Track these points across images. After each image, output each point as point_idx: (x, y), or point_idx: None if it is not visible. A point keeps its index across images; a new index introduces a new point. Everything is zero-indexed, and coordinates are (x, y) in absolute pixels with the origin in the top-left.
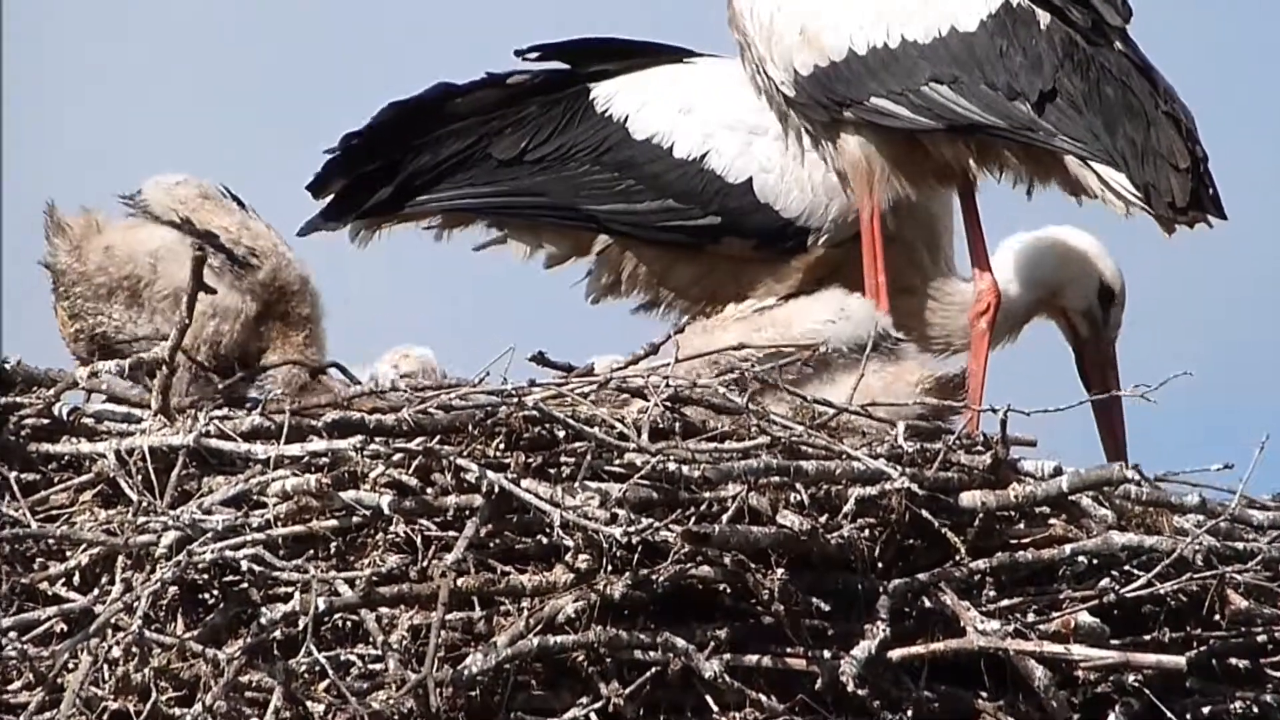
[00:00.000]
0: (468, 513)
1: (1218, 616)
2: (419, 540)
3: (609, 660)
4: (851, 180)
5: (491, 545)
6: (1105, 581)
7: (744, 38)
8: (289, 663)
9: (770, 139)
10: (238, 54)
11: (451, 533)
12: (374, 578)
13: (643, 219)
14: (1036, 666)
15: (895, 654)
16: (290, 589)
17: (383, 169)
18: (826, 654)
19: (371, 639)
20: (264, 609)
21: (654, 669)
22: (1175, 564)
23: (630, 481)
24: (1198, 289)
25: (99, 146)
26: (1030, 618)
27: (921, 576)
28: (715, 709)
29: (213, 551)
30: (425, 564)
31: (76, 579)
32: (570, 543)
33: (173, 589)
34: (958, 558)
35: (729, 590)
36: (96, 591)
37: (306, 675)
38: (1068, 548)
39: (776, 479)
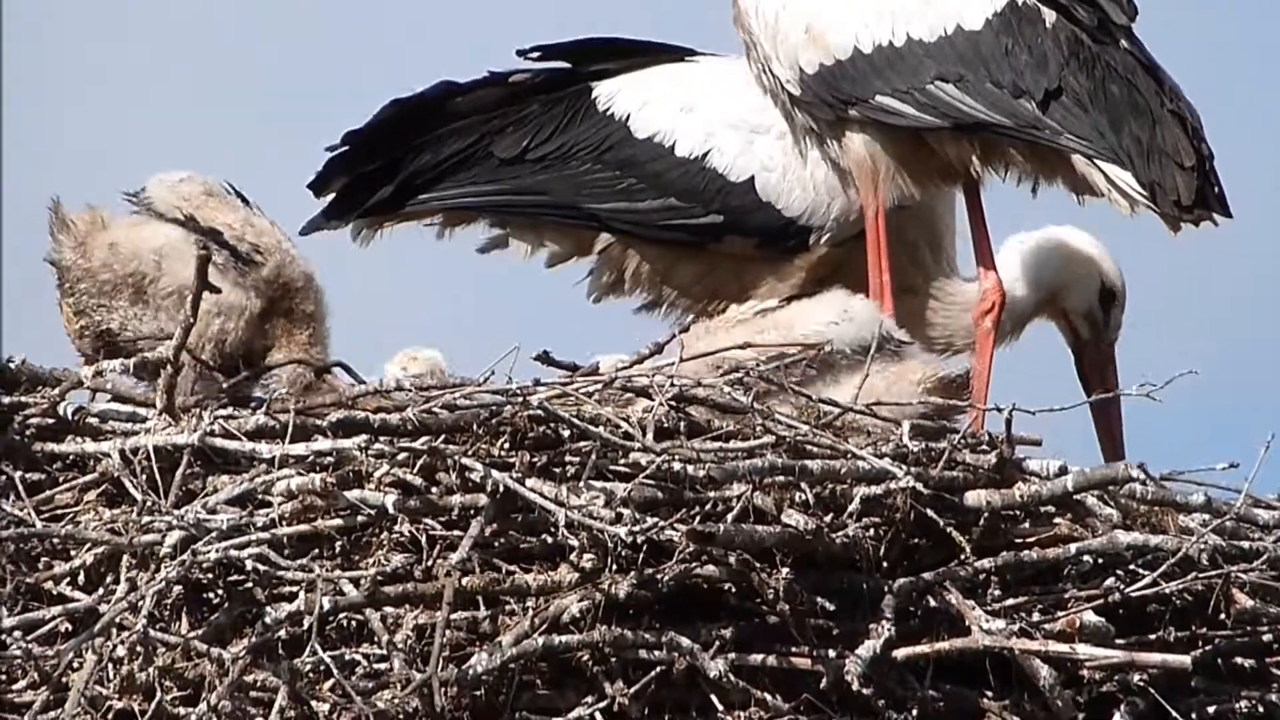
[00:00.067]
0: (472, 512)
1: (1223, 616)
2: (424, 540)
3: (614, 660)
4: (857, 179)
5: (496, 544)
6: (1110, 581)
7: (749, 36)
8: (294, 662)
9: (772, 138)
10: (238, 54)
11: (456, 532)
12: (379, 577)
13: (644, 218)
14: (1041, 666)
15: (900, 653)
16: (295, 588)
17: (384, 167)
18: (831, 653)
19: (376, 638)
20: (269, 608)
21: (659, 668)
22: (1180, 563)
23: (635, 481)
24: (1203, 287)
25: (99, 146)
26: (1035, 617)
27: (926, 576)
28: (720, 708)
29: (217, 551)
30: (430, 563)
31: (81, 578)
32: (575, 542)
33: (177, 588)
34: (963, 557)
35: (734, 589)
36: (101, 591)
37: (311, 675)
38: (1073, 547)
39: (781, 478)
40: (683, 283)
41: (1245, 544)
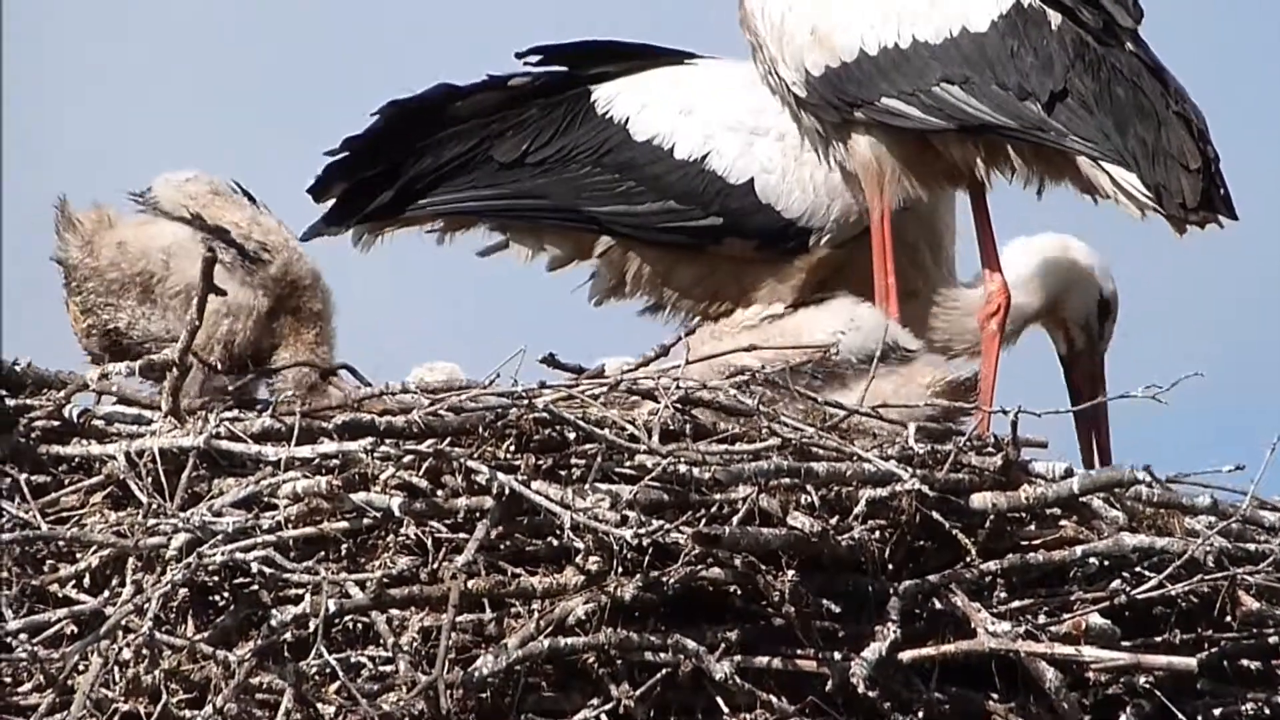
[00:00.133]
0: (478, 515)
1: (1229, 618)
2: (429, 542)
3: (619, 662)
4: (862, 181)
5: (502, 547)
6: (1116, 583)
7: (755, 38)
8: (300, 664)
9: (771, 140)
10: (238, 54)
11: (462, 535)
12: (384, 580)
13: (644, 220)
14: (1047, 668)
15: (906, 655)
16: (301, 591)
17: (384, 172)
18: (837, 655)
19: (382, 641)
20: (274, 611)
21: (664, 670)
22: (1186, 565)
23: (641, 483)
24: (1209, 290)
25: (99, 146)
26: (1041, 619)
27: (932, 578)
28: (726, 710)
29: (223, 553)
30: (436, 566)
31: (87, 581)
32: (581, 544)
33: (183, 591)
34: (968, 559)
35: (739, 592)
36: (107, 593)
37: (317, 677)
38: (1079, 549)
39: (787, 481)
40: (683, 285)
41: (1251, 546)
